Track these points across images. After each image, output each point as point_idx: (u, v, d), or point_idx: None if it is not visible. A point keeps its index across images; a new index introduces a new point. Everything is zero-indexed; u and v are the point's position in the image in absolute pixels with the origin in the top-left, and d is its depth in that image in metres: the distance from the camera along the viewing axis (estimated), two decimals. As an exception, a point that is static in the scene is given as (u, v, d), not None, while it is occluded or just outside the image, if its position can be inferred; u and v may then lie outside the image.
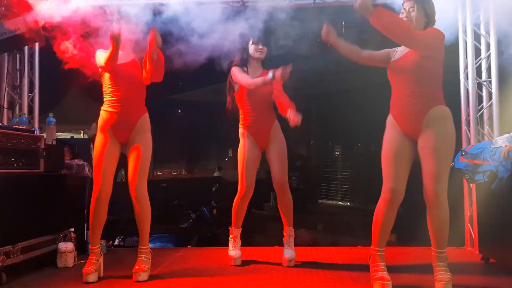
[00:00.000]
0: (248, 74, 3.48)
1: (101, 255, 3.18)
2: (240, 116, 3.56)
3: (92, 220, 3.11)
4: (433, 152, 2.73)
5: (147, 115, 3.23)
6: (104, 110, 3.15)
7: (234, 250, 3.56)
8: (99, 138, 3.14)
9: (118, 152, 3.18)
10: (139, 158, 3.11)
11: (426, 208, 2.80)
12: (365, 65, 3.03)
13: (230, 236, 3.62)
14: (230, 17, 3.48)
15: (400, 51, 2.93)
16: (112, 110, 3.12)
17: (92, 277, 3.03)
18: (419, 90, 2.78)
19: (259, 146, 3.52)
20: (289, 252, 3.48)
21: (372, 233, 2.88)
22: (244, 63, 3.52)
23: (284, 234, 3.55)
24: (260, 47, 3.50)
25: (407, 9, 2.84)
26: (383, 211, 2.81)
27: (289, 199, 3.51)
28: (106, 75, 3.15)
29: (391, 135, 2.88)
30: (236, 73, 3.47)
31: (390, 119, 2.92)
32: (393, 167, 2.81)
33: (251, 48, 3.52)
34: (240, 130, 3.54)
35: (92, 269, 3.04)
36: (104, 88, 3.18)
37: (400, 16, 2.84)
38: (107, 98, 3.16)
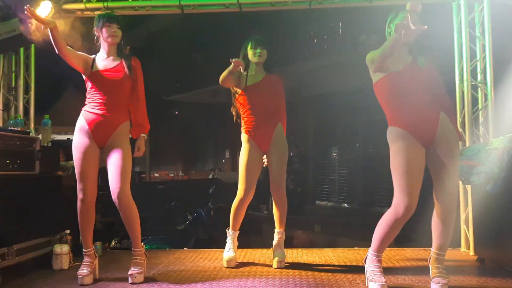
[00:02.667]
0: (247, 78, 3.47)
1: (95, 257, 3.18)
2: (242, 121, 3.54)
3: (81, 223, 3.07)
4: (453, 153, 2.72)
5: (128, 123, 3.15)
6: (85, 111, 3.08)
7: (229, 251, 3.53)
8: (77, 139, 3.05)
9: (98, 154, 3.08)
10: (120, 162, 3.00)
11: (437, 210, 2.75)
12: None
13: (228, 238, 3.59)
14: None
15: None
16: (94, 111, 3.05)
17: (87, 279, 3.02)
18: (430, 97, 2.75)
19: (261, 151, 3.49)
20: (280, 253, 3.49)
21: (373, 238, 2.84)
22: (245, 68, 3.47)
23: (276, 236, 3.53)
24: (259, 51, 3.48)
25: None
26: (393, 223, 2.71)
27: (285, 202, 3.51)
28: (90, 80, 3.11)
29: (404, 147, 2.70)
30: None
31: (397, 131, 2.75)
32: (409, 180, 2.66)
33: (250, 53, 3.50)
34: (242, 135, 3.52)
35: (87, 271, 3.04)
36: (88, 92, 3.12)
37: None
38: (90, 100, 3.09)
